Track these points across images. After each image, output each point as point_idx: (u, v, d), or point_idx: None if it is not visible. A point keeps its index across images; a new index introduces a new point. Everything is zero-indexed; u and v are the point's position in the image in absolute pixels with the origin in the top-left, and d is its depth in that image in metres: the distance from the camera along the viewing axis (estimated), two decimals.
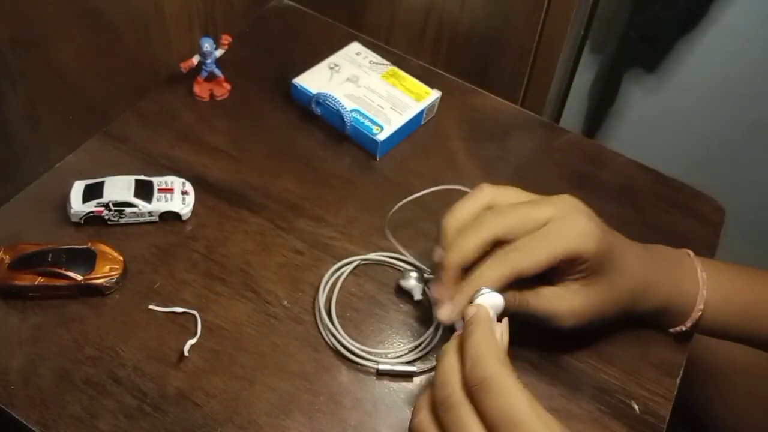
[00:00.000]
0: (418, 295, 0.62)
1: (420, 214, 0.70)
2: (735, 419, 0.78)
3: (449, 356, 0.47)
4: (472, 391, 0.44)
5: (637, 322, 0.62)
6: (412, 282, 0.62)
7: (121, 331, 0.59)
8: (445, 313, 0.53)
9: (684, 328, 0.61)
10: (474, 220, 0.54)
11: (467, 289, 0.52)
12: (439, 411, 0.45)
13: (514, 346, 0.49)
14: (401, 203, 0.64)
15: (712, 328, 0.61)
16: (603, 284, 0.55)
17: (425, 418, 0.46)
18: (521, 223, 0.54)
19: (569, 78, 1.11)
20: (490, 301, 0.51)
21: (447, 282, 0.53)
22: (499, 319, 0.50)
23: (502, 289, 0.52)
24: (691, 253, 0.62)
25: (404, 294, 0.64)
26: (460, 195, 0.57)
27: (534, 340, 0.59)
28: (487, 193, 0.56)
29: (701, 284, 0.60)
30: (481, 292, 0.51)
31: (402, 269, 0.65)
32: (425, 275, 0.63)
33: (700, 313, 0.60)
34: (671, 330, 0.62)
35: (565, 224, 0.53)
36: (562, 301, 0.55)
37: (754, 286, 0.62)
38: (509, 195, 0.56)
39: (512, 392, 0.43)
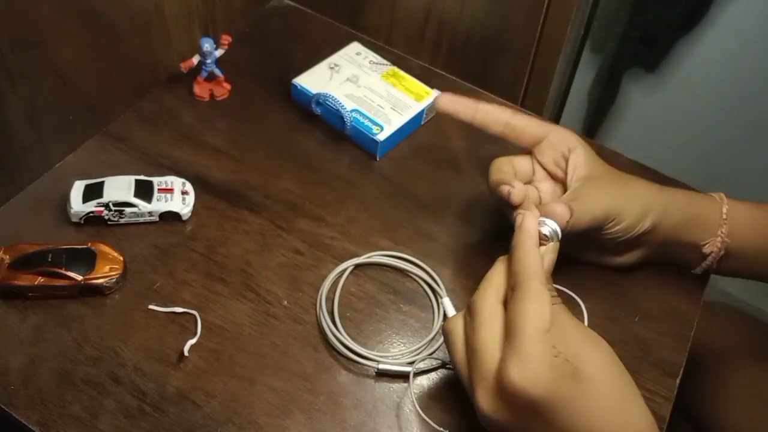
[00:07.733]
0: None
1: (420, 214, 0.70)
2: (735, 419, 0.78)
3: (497, 266, 0.51)
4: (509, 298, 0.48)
5: (662, 260, 0.64)
6: (547, 229, 0.55)
7: (121, 331, 0.59)
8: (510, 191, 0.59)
9: (722, 232, 0.61)
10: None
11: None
12: (468, 315, 0.50)
13: None
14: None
15: (741, 249, 0.63)
16: (607, 182, 0.60)
17: (458, 321, 0.50)
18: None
19: (569, 78, 1.10)
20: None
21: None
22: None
23: None
24: None
25: (404, 294, 0.64)
26: None
27: None
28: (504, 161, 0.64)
29: (718, 197, 0.63)
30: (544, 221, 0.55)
31: (411, 274, 0.65)
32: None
33: (726, 210, 0.62)
34: (705, 247, 0.63)
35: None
36: (572, 194, 0.59)
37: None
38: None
39: (532, 303, 0.46)
